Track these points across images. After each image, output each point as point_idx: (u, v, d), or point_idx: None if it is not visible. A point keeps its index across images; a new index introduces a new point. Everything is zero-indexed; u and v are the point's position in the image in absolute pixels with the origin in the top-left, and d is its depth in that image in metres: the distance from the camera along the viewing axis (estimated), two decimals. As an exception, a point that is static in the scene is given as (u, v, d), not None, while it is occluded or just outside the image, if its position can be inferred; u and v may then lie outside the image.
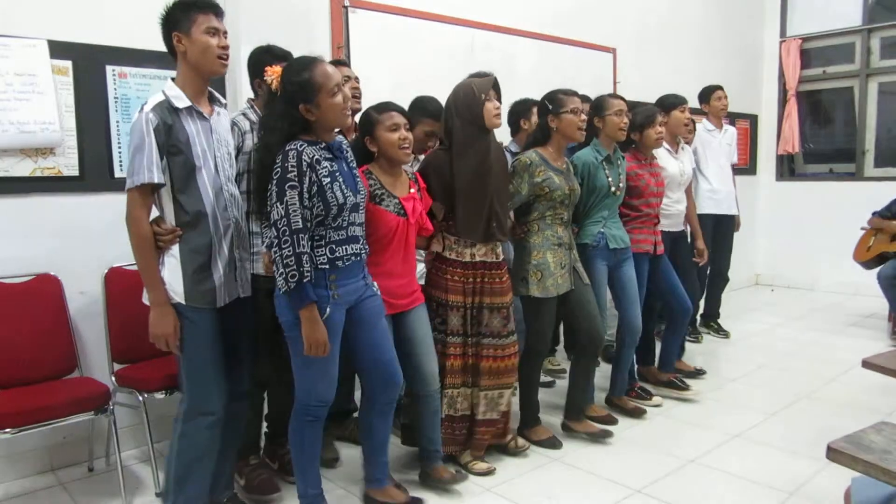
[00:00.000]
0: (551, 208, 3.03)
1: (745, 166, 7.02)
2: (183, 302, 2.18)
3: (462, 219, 2.76)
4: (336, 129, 2.33)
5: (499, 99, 2.83)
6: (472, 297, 2.81)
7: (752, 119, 7.04)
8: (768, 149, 7.15)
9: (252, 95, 2.75)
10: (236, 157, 2.50)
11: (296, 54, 2.91)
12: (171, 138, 2.12)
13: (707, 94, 4.87)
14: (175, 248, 2.18)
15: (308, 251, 2.13)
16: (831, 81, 6.87)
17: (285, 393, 2.79)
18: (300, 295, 2.12)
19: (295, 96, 2.15)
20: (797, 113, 6.87)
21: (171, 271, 2.17)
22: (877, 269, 5.06)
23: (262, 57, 2.59)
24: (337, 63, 2.94)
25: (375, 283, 2.44)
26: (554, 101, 3.03)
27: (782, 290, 6.96)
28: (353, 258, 2.29)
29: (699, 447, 3.14)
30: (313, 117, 2.19)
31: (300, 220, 2.11)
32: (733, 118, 6.65)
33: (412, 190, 2.64)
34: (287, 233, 2.10)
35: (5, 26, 2.79)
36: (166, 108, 2.13)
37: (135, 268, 2.25)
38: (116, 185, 3.04)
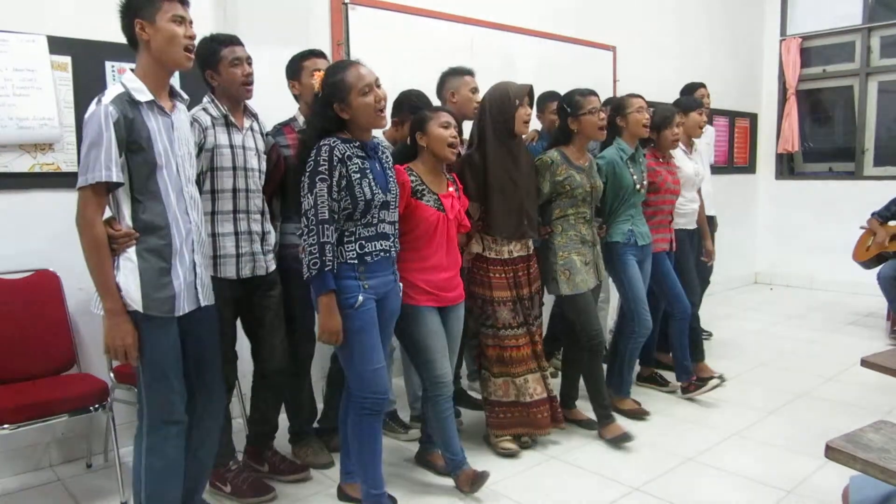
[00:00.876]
0: (573, 206, 3.12)
1: (745, 164, 7.02)
2: (140, 310, 1.98)
3: (497, 218, 2.91)
4: (371, 129, 2.39)
5: (531, 105, 2.98)
6: (519, 290, 2.98)
7: (752, 117, 7.04)
8: (768, 147, 7.15)
9: (209, 89, 2.60)
10: (197, 156, 2.38)
11: (295, 51, 2.95)
12: (132, 134, 1.94)
13: (689, 91, 4.84)
14: (131, 252, 1.99)
15: (332, 241, 2.22)
16: (831, 80, 6.87)
17: (268, 396, 2.79)
18: (320, 282, 2.23)
19: (330, 96, 2.29)
20: (797, 112, 6.87)
21: (127, 276, 1.98)
22: (876, 269, 5.07)
23: (210, 45, 2.53)
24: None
25: (401, 284, 2.52)
26: (572, 104, 3.12)
27: (781, 288, 6.96)
28: (381, 254, 2.37)
29: (698, 445, 3.14)
30: (347, 115, 2.30)
31: (327, 212, 2.21)
32: (733, 117, 6.66)
33: (450, 189, 2.73)
34: (314, 222, 2.21)
35: (4, 22, 2.79)
36: (126, 101, 1.95)
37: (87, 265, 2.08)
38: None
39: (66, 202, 2.94)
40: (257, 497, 2.65)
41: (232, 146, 2.54)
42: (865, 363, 2.18)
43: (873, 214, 5.18)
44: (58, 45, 2.89)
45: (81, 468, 3.02)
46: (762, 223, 7.10)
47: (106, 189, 1.96)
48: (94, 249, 1.95)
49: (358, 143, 2.32)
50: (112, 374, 2.91)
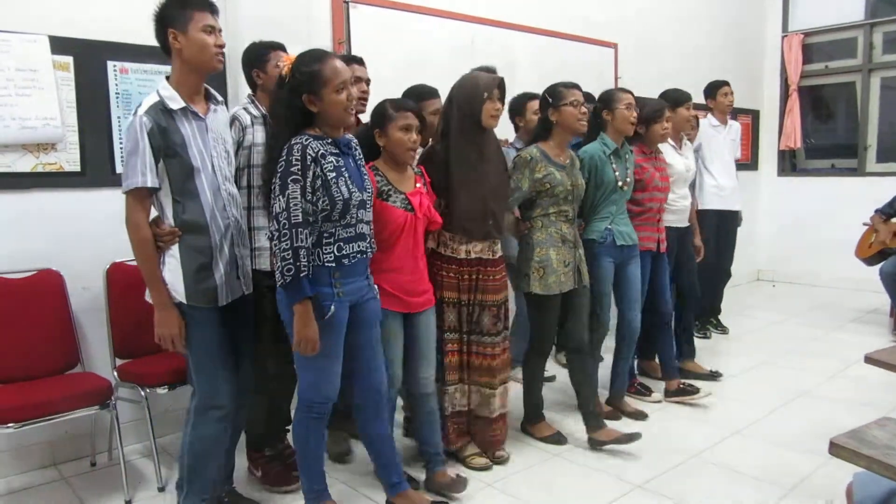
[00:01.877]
0: (554, 204, 2.99)
1: (747, 161, 7.00)
2: (185, 301, 2.18)
3: (458, 215, 2.74)
4: (341, 127, 2.30)
5: (502, 100, 2.82)
6: (469, 294, 2.82)
7: (754, 114, 7.03)
8: (770, 144, 7.14)
9: (251, 91, 2.76)
10: (236, 153, 2.51)
11: (297, 49, 2.94)
12: (166, 141, 2.11)
13: (713, 89, 4.85)
14: (175, 249, 2.18)
15: (307, 245, 2.11)
16: (833, 76, 6.86)
17: (284, 388, 2.80)
18: (296, 289, 2.11)
19: (301, 86, 2.16)
20: (799, 108, 6.86)
21: (172, 271, 2.17)
22: (879, 265, 5.06)
23: (258, 48, 2.69)
24: (352, 60, 2.93)
25: (376, 286, 2.44)
26: (554, 94, 2.99)
27: (784, 285, 6.96)
28: (359, 256, 2.29)
29: (701, 443, 3.14)
30: (315, 109, 2.18)
31: (300, 214, 2.10)
32: (735, 113, 6.64)
33: (418, 185, 2.64)
34: (286, 226, 2.09)
35: (6, 21, 2.79)
36: (160, 110, 2.12)
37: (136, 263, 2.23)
38: (118, 181, 2.96)
39: (68, 202, 2.98)
40: (281, 486, 2.75)
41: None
42: (870, 360, 2.17)
43: (876, 211, 5.17)
44: (60, 44, 2.89)
45: (86, 466, 3.03)
46: (764, 220, 7.08)
47: (147, 192, 2.13)
48: (141, 249, 2.14)
49: (330, 140, 2.21)
50: (116, 373, 2.92)
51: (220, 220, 2.24)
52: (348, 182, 2.21)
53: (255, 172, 2.57)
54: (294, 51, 2.89)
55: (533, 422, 3.20)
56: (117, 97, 3.07)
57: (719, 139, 4.82)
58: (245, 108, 2.64)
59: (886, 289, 4.99)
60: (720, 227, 4.82)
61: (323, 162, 2.16)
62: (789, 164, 7.17)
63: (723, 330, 5.07)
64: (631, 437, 3.02)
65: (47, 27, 2.87)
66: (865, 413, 3.38)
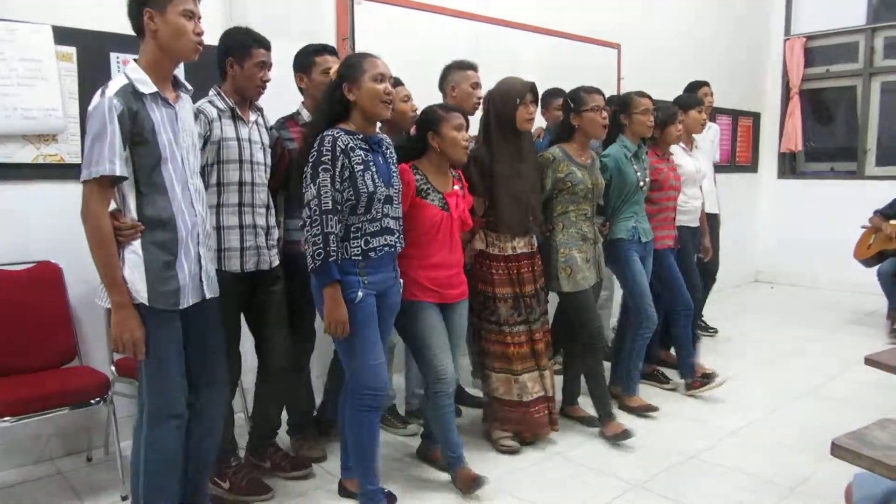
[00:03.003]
0: (574, 203, 3.12)
1: (747, 164, 7.02)
2: (146, 303, 1.98)
3: (502, 213, 2.90)
4: (376, 121, 2.38)
5: (535, 103, 2.98)
6: (522, 287, 2.97)
7: (755, 117, 7.04)
8: (771, 146, 7.15)
9: (219, 83, 2.59)
10: (202, 148, 2.39)
11: (301, 45, 2.94)
12: (136, 126, 1.93)
13: (693, 89, 4.82)
14: (136, 245, 1.98)
15: (336, 231, 2.21)
16: (834, 80, 6.87)
17: (271, 391, 2.78)
18: (325, 273, 2.21)
19: (342, 76, 2.29)
20: (800, 111, 6.87)
21: (133, 269, 1.97)
22: (877, 267, 5.07)
23: (244, 38, 2.55)
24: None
25: (401, 280, 2.51)
26: (576, 100, 3.13)
27: (782, 287, 6.96)
28: (385, 249, 2.36)
29: (700, 443, 3.14)
30: (353, 97, 2.28)
31: (330, 202, 2.20)
32: (736, 115, 6.66)
33: (455, 187, 2.72)
34: (317, 212, 2.18)
35: (10, 11, 2.77)
36: (130, 93, 1.93)
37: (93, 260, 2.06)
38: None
39: (69, 194, 2.94)
40: (255, 496, 2.63)
41: (238, 139, 2.52)
42: (869, 361, 2.17)
43: (876, 212, 5.18)
44: (63, 35, 2.88)
45: (82, 461, 3.01)
46: (764, 222, 7.10)
47: (111, 182, 1.94)
48: (99, 243, 1.93)
49: (361, 136, 2.30)
50: (113, 368, 2.90)
51: (187, 215, 2.06)
52: (374, 176, 2.29)
53: (225, 168, 2.49)
54: (297, 46, 2.93)
55: (604, 421, 3.21)
56: (119, 90, 3.05)
57: (698, 140, 4.80)
58: (210, 102, 2.50)
59: (884, 290, 5.02)
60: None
61: (352, 154, 2.25)
62: (789, 166, 7.18)
63: (713, 331, 5.07)
64: (627, 434, 3.11)
65: (51, 17, 2.85)
66: (864, 414, 3.37)
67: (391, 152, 2.45)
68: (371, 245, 2.31)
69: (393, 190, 2.37)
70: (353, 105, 2.30)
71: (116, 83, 1.95)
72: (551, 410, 3.09)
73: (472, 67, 3.25)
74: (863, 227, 5.28)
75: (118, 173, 1.91)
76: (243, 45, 2.53)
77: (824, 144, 7.19)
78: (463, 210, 2.73)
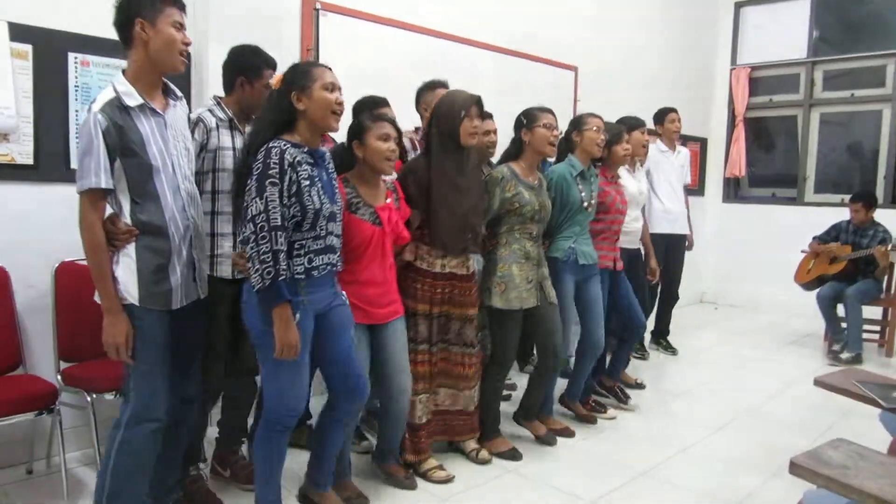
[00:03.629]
0: (520, 223, 3.06)
1: (695, 187, 7.24)
2: (137, 304, 2.07)
3: (439, 230, 2.79)
4: (321, 133, 2.32)
5: (481, 117, 2.90)
6: (440, 307, 2.86)
7: (703, 142, 7.29)
8: (716, 171, 7.41)
9: (220, 93, 2.67)
10: (199, 154, 2.45)
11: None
12: (123, 140, 2.00)
13: (661, 115, 5.02)
14: (131, 248, 2.07)
15: (284, 249, 2.10)
16: (777, 109, 7.17)
17: (241, 399, 2.79)
18: (274, 292, 2.07)
19: (291, 84, 2.20)
20: (744, 138, 7.15)
21: (126, 270, 2.07)
22: (816, 291, 5.30)
23: (256, 59, 2.60)
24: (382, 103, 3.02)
25: (344, 293, 2.42)
26: (528, 116, 3.12)
27: (726, 308, 7.20)
28: (328, 268, 2.28)
29: (650, 460, 3.21)
30: (302, 106, 2.19)
31: (279, 218, 2.08)
32: (685, 140, 6.86)
33: (388, 200, 2.64)
34: (265, 228, 2.06)
35: (-39, 5, 2.68)
36: (116, 107, 2.01)
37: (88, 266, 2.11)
38: (72, 177, 2.85)
39: (19, 195, 2.87)
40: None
41: (234, 149, 2.55)
42: (818, 383, 2.27)
43: (815, 238, 5.42)
44: (19, 32, 2.79)
45: (21, 474, 2.88)
46: (709, 244, 7.32)
47: (102, 194, 2.03)
48: (93, 251, 2.03)
49: (307, 149, 2.22)
50: (59, 377, 2.80)
51: (179, 221, 2.15)
52: (320, 192, 2.21)
53: (221, 177, 2.52)
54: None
55: (489, 437, 3.21)
56: (76, 90, 2.97)
57: (666, 165, 4.97)
58: (210, 111, 2.57)
59: (823, 313, 5.23)
60: (668, 251, 4.96)
61: (299, 169, 2.15)
62: (734, 191, 7.44)
63: (672, 351, 5.20)
64: (515, 454, 3.16)
65: (7, 13, 2.76)
66: (806, 432, 3.55)
67: (332, 167, 2.38)
68: (314, 263, 2.22)
69: (336, 206, 2.30)
70: (301, 115, 2.20)
71: (103, 97, 2.03)
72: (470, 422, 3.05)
73: (443, 86, 3.28)
74: (803, 251, 5.52)
75: (103, 186, 2.00)
76: (256, 67, 2.59)
77: (767, 171, 7.49)
78: (396, 223, 2.63)
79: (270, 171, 2.09)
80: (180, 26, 2.09)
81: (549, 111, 3.15)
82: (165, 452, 2.28)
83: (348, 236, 2.48)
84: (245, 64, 2.59)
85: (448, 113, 2.80)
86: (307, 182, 2.16)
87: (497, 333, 3.13)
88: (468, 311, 2.91)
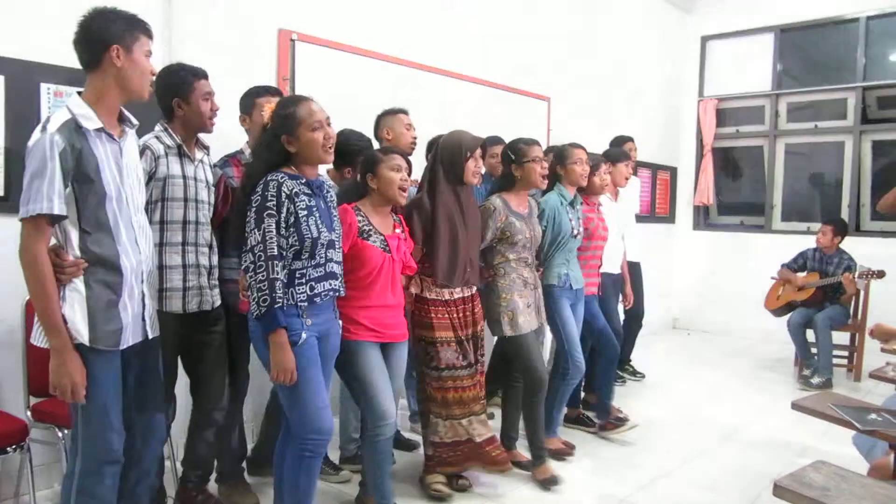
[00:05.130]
0: (514, 252, 3.17)
1: (666, 215, 7.37)
2: (86, 343, 1.92)
3: (441, 265, 2.89)
4: (317, 166, 2.37)
5: (484, 157, 3.04)
6: (463, 330, 2.98)
7: (672, 171, 7.43)
8: (686, 199, 7.55)
9: (163, 118, 2.56)
10: (147, 183, 2.35)
11: (241, 84, 2.94)
12: (79, 165, 1.88)
13: (619, 144, 5.08)
14: (78, 282, 1.92)
15: (281, 278, 2.17)
16: (743, 140, 7.36)
17: (203, 437, 2.70)
18: (270, 319, 2.16)
19: (279, 128, 2.26)
20: (712, 167, 7.31)
21: (74, 307, 1.91)
22: (786, 317, 5.39)
23: (181, 74, 2.52)
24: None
25: (340, 322, 2.49)
26: (517, 152, 3.21)
27: (698, 333, 7.28)
28: (330, 293, 2.35)
29: (627, 486, 3.21)
30: (293, 149, 2.27)
31: (275, 248, 2.16)
32: (655, 169, 7.02)
33: (397, 230, 2.74)
34: (262, 258, 2.15)
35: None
36: (73, 129, 1.88)
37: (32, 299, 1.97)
38: None
39: (-11, 226, 2.79)
40: None
41: (184, 177, 2.48)
42: (796, 406, 2.31)
43: (783, 265, 5.53)
44: (-8, 62, 2.76)
45: (-13, 514, 2.79)
46: (681, 271, 7.44)
47: (50, 221, 1.88)
48: (38, 284, 1.87)
49: (304, 180, 2.29)
50: (29, 413, 2.72)
51: (131, 254, 2.02)
52: (318, 221, 2.27)
53: (170, 206, 2.45)
54: (237, 84, 2.93)
55: (537, 464, 3.26)
56: (49, 121, 2.93)
57: (621, 192, 5.03)
58: (157, 137, 2.47)
59: (793, 339, 5.32)
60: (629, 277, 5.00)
61: (296, 200, 2.22)
62: (703, 219, 7.58)
63: (640, 376, 5.22)
64: (555, 480, 3.19)
65: (-22, 44, 2.74)
66: (780, 456, 3.58)
67: (331, 196, 2.45)
68: (316, 290, 2.28)
69: (335, 234, 2.36)
70: (294, 155, 2.28)
71: (58, 118, 1.90)
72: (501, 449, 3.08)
73: (403, 111, 3.37)
74: (772, 278, 5.62)
75: (56, 212, 1.85)
76: (184, 82, 2.50)
77: (735, 199, 7.66)
78: (405, 253, 2.73)
79: (268, 204, 2.17)
80: (149, 54, 2.06)
81: (536, 143, 3.25)
82: (134, 492, 2.18)
83: (360, 262, 2.57)
84: (173, 84, 2.49)
85: (455, 151, 2.92)
86: (304, 212, 2.23)
87: (520, 361, 3.22)
88: (479, 328, 3.08)
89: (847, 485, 1.58)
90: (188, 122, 2.51)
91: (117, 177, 1.99)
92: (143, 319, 2.09)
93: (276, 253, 2.16)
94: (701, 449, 3.75)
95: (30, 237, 1.86)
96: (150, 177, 2.40)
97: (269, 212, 2.17)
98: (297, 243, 2.22)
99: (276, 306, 2.14)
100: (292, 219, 2.21)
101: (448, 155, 2.94)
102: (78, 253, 1.94)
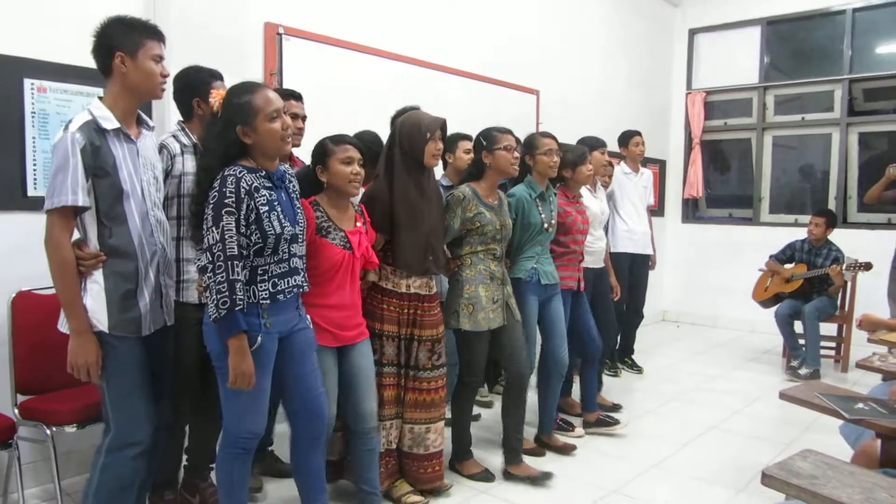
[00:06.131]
0: (483, 243, 3.05)
1: (656, 208, 7.38)
2: (107, 331, 2.09)
3: (401, 251, 2.78)
4: (276, 158, 2.28)
5: (443, 140, 2.90)
6: (407, 328, 2.83)
7: (662, 164, 7.45)
8: (675, 192, 7.58)
9: (181, 118, 2.66)
10: (165, 181, 2.44)
11: (228, 79, 2.90)
12: (97, 160, 2.04)
13: (626, 138, 5.13)
14: (98, 274, 2.09)
15: (241, 279, 2.07)
16: (731, 133, 7.38)
17: (209, 425, 2.73)
18: (230, 323, 2.05)
19: (233, 118, 2.14)
20: (701, 160, 7.34)
21: (95, 298, 2.08)
22: (774, 308, 5.43)
23: (202, 76, 2.59)
24: (290, 96, 2.90)
25: (308, 317, 2.41)
26: (488, 139, 3.09)
27: (687, 326, 7.32)
28: (294, 290, 2.27)
29: (619, 478, 3.23)
30: (249, 140, 2.16)
31: (235, 247, 2.07)
32: (646, 162, 7.02)
33: (358, 224, 2.63)
34: (221, 258, 2.05)
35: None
36: (93, 129, 2.05)
37: (46, 292, 2.20)
38: (28, 205, 2.87)
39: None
40: None
41: None
42: (784, 396, 2.32)
43: (771, 257, 5.57)
44: (-27, 57, 2.73)
45: (-25, 513, 2.78)
46: (670, 264, 7.46)
47: (73, 213, 2.04)
48: (62, 271, 2.03)
49: (265, 173, 2.19)
50: (16, 411, 2.70)
51: (146, 246, 2.18)
52: (280, 216, 2.19)
53: (186, 202, 2.49)
54: (228, 81, 2.89)
55: (461, 459, 3.19)
56: (33, 116, 2.91)
57: (629, 186, 5.07)
58: (174, 136, 2.57)
59: (781, 330, 5.35)
60: (632, 270, 5.04)
61: (256, 195, 2.13)
62: (692, 211, 7.61)
63: (638, 370, 5.25)
64: (546, 476, 3.13)
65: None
66: (769, 446, 3.61)
67: (294, 185, 2.36)
68: (279, 287, 2.20)
69: (298, 228, 2.27)
70: (251, 147, 2.17)
71: (80, 119, 2.05)
72: (434, 468, 2.93)
73: (467, 138, 3.30)
74: (760, 270, 5.66)
75: (80, 203, 2.00)
76: (205, 84, 2.57)
77: (723, 192, 7.69)
78: (366, 248, 2.62)
79: (226, 201, 2.07)
80: (160, 59, 2.15)
81: (508, 131, 3.13)
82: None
83: (318, 260, 2.47)
84: (193, 84, 2.58)
85: (413, 133, 2.78)
86: (266, 208, 2.14)
87: (465, 354, 3.12)
88: (435, 332, 2.88)
89: (834, 473, 1.59)
90: (205, 122, 2.50)
91: (133, 174, 2.14)
92: (162, 307, 2.25)
93: (235, 252, 2.06)
94: (690, 440, 3.77)
95: (55, 227, 2.02)
96: (167, 174, 2.48)
97: (228, 209, 2.06)
98: (259, 241, 2.14)
99: (236, 308, 2.04)
100: (253, 216, 2.11)
101: (407, 137, 2.78)
102: (97, 245, 2.09)
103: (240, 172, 2.11)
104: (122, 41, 2.09)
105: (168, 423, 2.42)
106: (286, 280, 2.23)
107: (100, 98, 2.15)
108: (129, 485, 2.18)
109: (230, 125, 2.13)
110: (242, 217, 2.09)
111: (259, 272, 2.17)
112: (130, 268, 2.13)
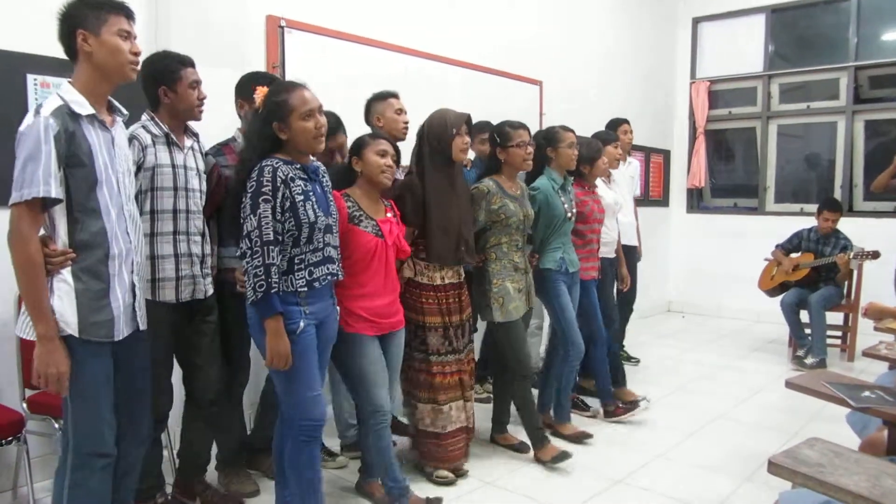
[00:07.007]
0: (507, 234, 3.18)
1: (658, 198, 7.38)
2: (76, 335, 1.89)
3: (434, 243, 2.92)
4: (310, 154, 2.36)
5: (470, 134, 3.05)
6: (450, 316, 2.99)
7: (666, 154, 7.43)
8: (679, 182, 7.55)
9: (149, 107, 2.53)
10: (137, 174, 2.32)
11: (230, 72, 2.92)
12: (72, 148, 1.86)
13: (614, 126, 5.05)
14: (66, 273, 1.89)
15: (277, 263, 2.17)
16: (736, 122, 7.35)
17: (204, 427, 2.70)
18: (267, 305, 2.16)
19: (270, 114, 2.25)
20: (705, 149, 7.31)
21: (63, 299, 1.88)
22: (779, 297, 5.41)
23: (166, 62, 2.48)
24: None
25: (338, 308, 2.50)
26: (501, 135, 3.22)
27: (692, 316, 7.30)
28: (328, 278, 2.35)
29: (625, 467, 3.23)
30: (285, 136, 2.26)
31: (272, 233, 2.17)
32: (648, 152, 7.01)
33: (388, 214, 2.74)
34: (258, 244, 2.15)
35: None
36: (66, 114, 1.86)
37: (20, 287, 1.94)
38: None
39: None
40: None
41: (174, 165, 2.45)
42: (790, 385, 2.32)
43: (777, 246, 5.55)
44: (-24, 53, 2.73)
45: (-14, 507, 2.80)
46: (675, 254, 7.46)
47: (42, 205, 1.85)
48: (28, 270, 1.84)
49: (299, 166, 2.29)
50: (25, 405, 2.72)
51: (121, 242, 1.99)
52: (315, 206, 2.28)
53: (159, 196, 2.41)
54: (226, 72, 2.92)
55: (539, 447, 3.28)
56: (37, 111, 2.91)
57: (618, 175, 5.03)
58: (144, 127, 2.43)
59: (786, 319, 5.34)
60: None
61: (292, 185, 2.22)
62: (696, 201, 7.59)
63: (635, 361, 5.24)
64: (566, 455, 3.21)
65: (-37, 35, 2.70)
66: (775, 435, 3.61)
67: (327, 180, 2.46)
68: (315, 275, 2.29)
69: (332, 218, 2.38)
70: (286, 142, 2.27)
71: (51, 103, 1.88)
72: (468, 442, 3.15)
73: (394, 95, 3.31)
74: (766, 259, 5.64)
75: (53, 195, 1.83)
76: (170, 70, 2.46)
77: (728, 181, 7.66)
78: (397, 236, 2.73)
79: (263, 189, 2.17)
80: (128, 35, 1.98)
81: (522, 126, 3.23)
82: (122, 482, 2.16)
83: (352, 248, 2.58)
84: (159, 72, 2.45)
85: (441, 130, 2.93)
86: (301, 197, 2.23)
87: (509, 348, 3.23)
88: (468, 314, 3.10)
89: (840, 461, 1.59)
90: (175, 110, 2.48)
91: (108, 164, 1.97)
92: (134, 310, 2.07)
93: (272, 238, 2.16)
94: (695, 430, 3.77)
95: (22, 222, 1.83)
96: (139, 167, 2.36)
97: (265, 197, 2.16)
98: (294, 228, 2.23)
99: (272, 291, 2.14)
100: (288, 203, 2.20)
101: (434, 134, 2.95)
102: (66, 241, 1.91)
103: (276, 163, 2.22)
104: (83, 18, 1.92)
105: (155, 436, 2.41)
106: (322, 268, 2.32)
107: (70, 82, 1.96)
108: (101, 500, 2.02)
109: (268, 121, 2.25)
110: (278, 205, 2.19)
111: (296, 262, 2.27)
112: (102, 266, 1.95)
